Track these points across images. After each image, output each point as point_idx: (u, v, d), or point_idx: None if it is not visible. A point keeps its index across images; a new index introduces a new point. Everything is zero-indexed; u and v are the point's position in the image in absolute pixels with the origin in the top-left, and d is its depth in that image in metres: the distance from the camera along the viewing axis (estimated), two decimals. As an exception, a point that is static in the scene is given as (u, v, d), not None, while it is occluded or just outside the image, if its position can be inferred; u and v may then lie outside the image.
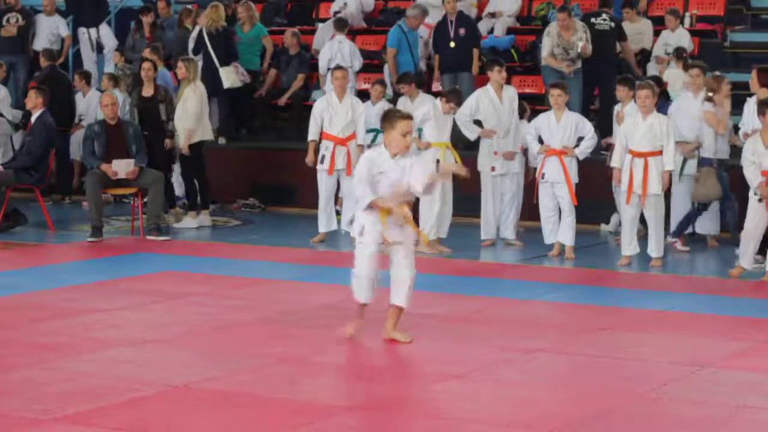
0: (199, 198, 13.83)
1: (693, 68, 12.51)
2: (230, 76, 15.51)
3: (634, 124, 11.38)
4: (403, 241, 7.95)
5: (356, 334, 8.12)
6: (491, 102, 12.35)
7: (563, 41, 14.29)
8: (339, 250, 12.14)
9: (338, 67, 13.07)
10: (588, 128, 11.87)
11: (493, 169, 12.40)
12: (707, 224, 12.57)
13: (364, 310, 8.10)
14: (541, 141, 11.95)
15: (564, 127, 11.80)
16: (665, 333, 8.56)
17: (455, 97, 12.18)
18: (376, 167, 7.91)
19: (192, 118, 13.37)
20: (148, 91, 13.86)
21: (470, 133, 12.45)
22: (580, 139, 11.87)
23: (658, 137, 11.27)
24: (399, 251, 7.94)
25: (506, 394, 6.90)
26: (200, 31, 15.57)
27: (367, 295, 7.99)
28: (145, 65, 13.89)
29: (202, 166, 13.67)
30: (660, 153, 11.26)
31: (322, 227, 12.69)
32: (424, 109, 11.97)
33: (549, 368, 7.54)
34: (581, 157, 11.96)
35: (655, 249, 11.49)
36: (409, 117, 8.01)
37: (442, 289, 10.08)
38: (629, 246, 11.49)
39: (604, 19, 14.77)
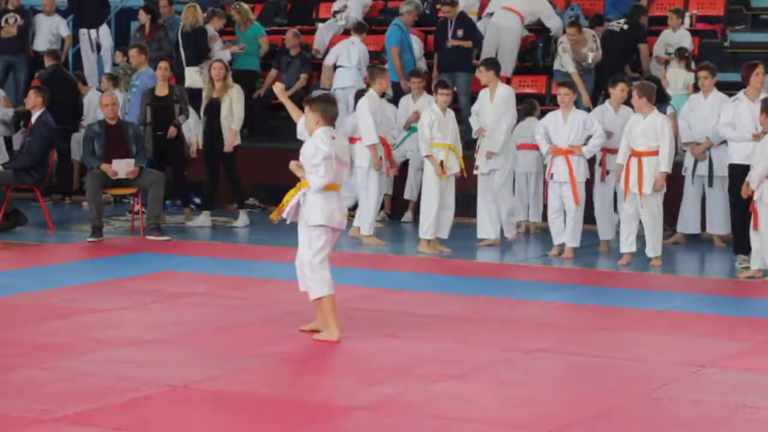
0: (201, 198, 14.04)
1: (702, 70, 12.51)
2: (192, 76, 15.71)
3: (635, 123, 11.41)
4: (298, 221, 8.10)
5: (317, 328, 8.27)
6: (482, 101, 12.49)
7: (576, 54, 14.36)
8: (339, 250, 12.11)
9: (383, 70, 13.09)
10: (596, 126, 11.85)
11: (476, 167, 12.50)
12: (716, 224, 12.59)
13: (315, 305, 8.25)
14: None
15: (571, 126, 11.82)
16: (665, 333, 8.56)
17: (445, 85, 12.19)
18: None
19: (239, 120, 13.46)
20: (162, 91, 13.92)
21: (473, 130, 12.62)
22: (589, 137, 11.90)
23: (653, 137, 11.28)
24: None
25: (506, 394, 6.90)
26: (178, 31, 15.89)
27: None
28: (162, 65, 13.98)
29: (223, 168, 13.77)
30: (655, 153, 11.27)
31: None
32: (426, 116, 11.95)
33: (549, 368, 7.54)
34: (588, 156, 11.93)
35: (651, 249, 11.48)
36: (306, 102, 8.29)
37: (442, 289, 10.09)
38: (626, 243, 11.51)
39: (618, 22, 14.84)
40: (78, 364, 7.36)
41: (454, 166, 12.05)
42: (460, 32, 15.13)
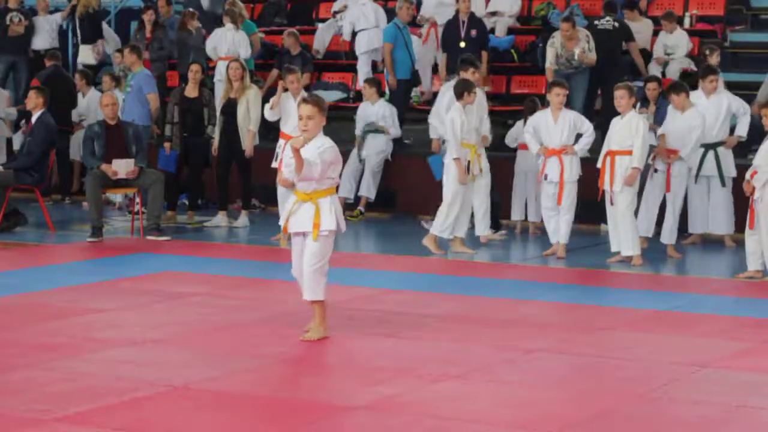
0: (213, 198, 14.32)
1: (713, 74, 12.55)
2: (85, 52, 16.97)
3: (614, 123, 11.51)
4: (306, 232, 8.01)
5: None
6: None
7: (566, 51, 14.31)
8: (337, 250, 12.10)
9: (290, 71, 12.75)
10: (586, 125, 11.88)
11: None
12: (723, 224, 12.57)
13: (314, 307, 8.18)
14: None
15: (562, 126, 11.82)
16: (665, 333, 8.56)
17: (473, 85, 12.04)
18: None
19: (256, 120, 13.46)
20: (192, 93, 13.96)
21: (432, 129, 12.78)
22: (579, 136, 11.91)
23: (628, 136, 11.32)
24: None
25: (506, 394, 6.90)
26: (73, 16, 17.18)
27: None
28: (194, 67, 14.05)
29: (237, 167, 13.80)
30: (628, 152, 11.30)
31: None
32: (457, 118, 11.69)
33: (549, 368, 7.54)
34: (581, 155, 11.95)
35: (628, 247, 11.47)
36: (302, 101, 8.04)
37: (442, 289, 10.09)
38: (615, 242, 11.58)
39: (608, 20, 14.79)
40: (78, 364, 7.36)
41: (476, 166, 12.00)
42: (473, 32, 15.08)
